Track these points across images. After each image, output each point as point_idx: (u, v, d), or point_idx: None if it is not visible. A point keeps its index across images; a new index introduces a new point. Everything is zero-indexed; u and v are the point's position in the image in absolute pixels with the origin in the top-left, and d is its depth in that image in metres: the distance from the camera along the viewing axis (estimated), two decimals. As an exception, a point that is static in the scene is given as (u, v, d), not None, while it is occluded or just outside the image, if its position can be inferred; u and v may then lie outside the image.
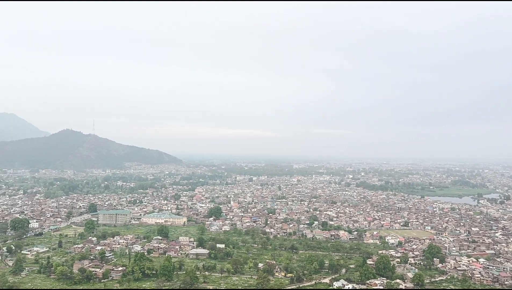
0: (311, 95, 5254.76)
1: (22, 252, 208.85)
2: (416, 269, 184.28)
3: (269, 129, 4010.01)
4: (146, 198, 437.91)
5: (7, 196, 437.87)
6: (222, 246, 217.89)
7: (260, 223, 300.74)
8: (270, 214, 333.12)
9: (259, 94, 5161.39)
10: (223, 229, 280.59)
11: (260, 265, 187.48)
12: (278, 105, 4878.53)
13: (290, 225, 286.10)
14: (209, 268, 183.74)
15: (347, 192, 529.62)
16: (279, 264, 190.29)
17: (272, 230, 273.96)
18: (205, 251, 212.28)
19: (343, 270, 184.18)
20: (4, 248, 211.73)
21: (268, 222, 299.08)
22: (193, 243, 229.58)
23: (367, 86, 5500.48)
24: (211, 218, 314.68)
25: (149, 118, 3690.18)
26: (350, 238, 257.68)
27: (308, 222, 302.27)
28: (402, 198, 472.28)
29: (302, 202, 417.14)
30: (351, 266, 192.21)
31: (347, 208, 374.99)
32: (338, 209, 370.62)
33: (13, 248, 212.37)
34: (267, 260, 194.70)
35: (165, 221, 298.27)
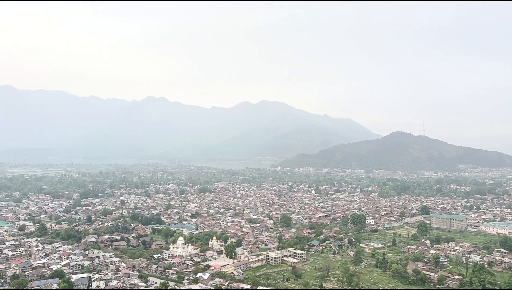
0: None
1: (360, 245, 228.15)
2: None
3: None
4: (484, 204, 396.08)
5: (347, 193, 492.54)
6: None
7: None
8: None
9: None
10: None
11: None
12: None
13: None
14: None
15: None
16: None
17: None
18: None
19: None
20: (346, 240, 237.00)
21: None
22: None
23: None
24: None
25: (485, 117, 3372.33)
26: None
27: None
28: None
29: None
30: None
31: None
32: None
33: (353, 240, 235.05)
34: None
35: (508, 232, 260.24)
